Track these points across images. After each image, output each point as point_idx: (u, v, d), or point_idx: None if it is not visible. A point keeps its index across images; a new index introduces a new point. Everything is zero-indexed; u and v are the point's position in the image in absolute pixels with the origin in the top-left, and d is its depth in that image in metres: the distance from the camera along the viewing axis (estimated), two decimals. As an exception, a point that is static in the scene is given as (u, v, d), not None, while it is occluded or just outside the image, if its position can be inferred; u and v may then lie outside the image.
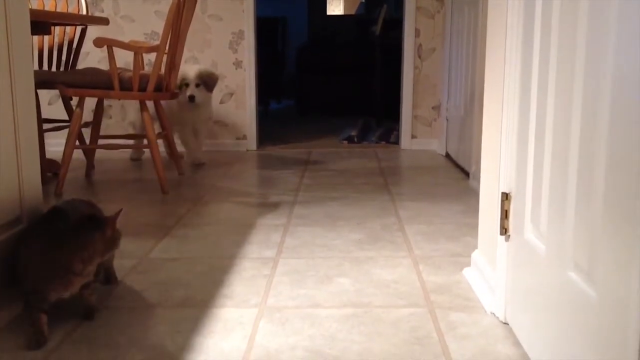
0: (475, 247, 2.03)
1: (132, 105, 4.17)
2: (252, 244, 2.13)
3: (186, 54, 4.13)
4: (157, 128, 3.48)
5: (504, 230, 1.48)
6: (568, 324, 1.09)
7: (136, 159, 3.85)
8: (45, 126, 3.38)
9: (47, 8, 3.68)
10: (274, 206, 2.68)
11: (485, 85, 1.70)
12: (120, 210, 1.50)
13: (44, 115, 3.73)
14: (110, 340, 1.41)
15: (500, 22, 1.57)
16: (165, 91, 2.98)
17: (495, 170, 1.58)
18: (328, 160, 3.87)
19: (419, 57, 4.20)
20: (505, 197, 1.46)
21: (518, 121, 1.41)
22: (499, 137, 1.55)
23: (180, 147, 3.75)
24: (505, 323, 1.49)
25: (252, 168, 3.65)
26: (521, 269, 1.39)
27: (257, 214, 2.54)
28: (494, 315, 1.54)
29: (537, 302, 1.27)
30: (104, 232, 1.43)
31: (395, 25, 5.25)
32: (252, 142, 4.29)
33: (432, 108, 4.27)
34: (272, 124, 5.70)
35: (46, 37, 3.55)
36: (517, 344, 1.39)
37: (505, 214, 1.47)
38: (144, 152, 3.90)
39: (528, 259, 1.33)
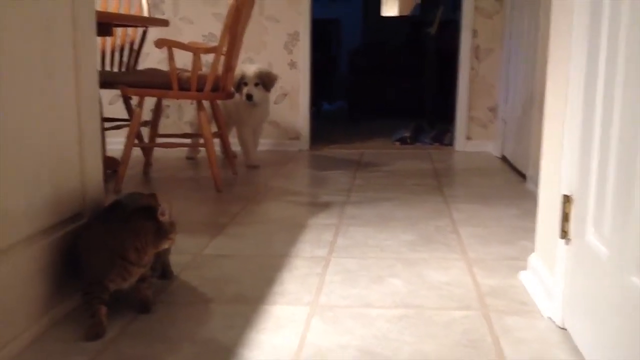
0: (531, 251, 1.98)
1: (190, 105, 4.26)
2: (304, 243, 2.14)
3: (242, 55, 4.19)
4: (213, 128, 3.54)
5: (564, 234, 1.44)
6: (630, 330, 1.05)
7: (191, 158, 3.92)
8: (106, 125, 3.49)
9: (109, 10, 3.80)
10: (325, 206, 2.68)
11: (548, 85, 1.66)
12: (169, 200, 1.51)
13: (104, 114, 3.84)
14: (165, 334, 1.44)
15: (565, 22, 1.53)
16: (222, 91, 3.02)
17: (556, 172, 1.54)
18: (380, 161, 3.86)
19: (476, 58, 4.14)
20: (567, 199, 1.42)
21: (582, 122, 1.37)
22: (561, 138, 1.51)
23: (235, 147, 3.80)
24: (562, 328, 1.45)
25: (304, 168, 3.67)
26: (581, 273, 1.34)
27: (309, 214, 2.55)
28: (551, 319, 1.50)
29: (597, 307, 1.23)
30: (155, 221, 1.45)
31: (451, 26, 5.18)
32: (304, 142, 4.31)
33: (489, 109, 4.20)
34: (324, 125, 5.71)
35: (108, 39, 3.66)
36: (574, 349, 1.35)
37: (565, 217, 1.42)
38: (199, 151, 3.97)
39: (589, 263, 1.29)
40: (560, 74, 1.54)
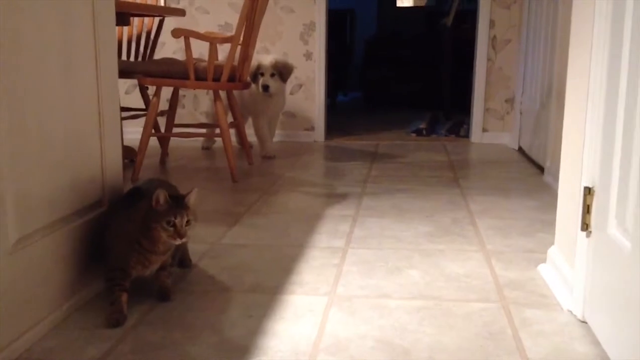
0: (550, 243, 1.96)
1: (205, 95, 4.27)
2: (320, 234, 2.14)
3: (258, 45, 4.18)
4: (229, 118, 3.54)
5: (585, 226, 1.42)
6: (655, 324, 1.04)
7: (207, 148, 3.93)
8: (123, 114, 3.50)
9: None
10: (342, 197, 2.68)
11: (569, 76, 1.64)
12: (193, 189, 1.51)
13: (121, 104, 3.86)
14: (185, 322, 1.45)
15: (587, 10, 1.50)
16: (238, 81, 3.02)
17: (577, 164, 1.53)
18: (396, 153, 3.84)
19: (493, 48, 4.10)
20: (588, 191, 1.41)
21: (604, 113, 1.35)
22: (582, 129, 1.50)
23: (251, 138, 3.80)
24: (583, 321, 1.44)
25: (319, 159, 3.67)
26: (602, 266, 1.33)
27: (325, 204, 2.55)
28: (571, 313, 1.49)
29: (619, 300, 1.22)
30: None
31: (467, 16, 5.14)
32: (320, 133, 4.30)
33: (505, 101, 4.16)
34: (339, 116, 5.70)
35: (125, 28, 3.67)
36: (595, 342, 1.34)
37: (587, 209, 1.41)
38: (215, 141, 3.98)
39: (611, 256, 1.28)
40: (582, 64, 1.52)
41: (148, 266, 1.47)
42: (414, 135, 4.55)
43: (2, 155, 1.24)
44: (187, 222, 1.44)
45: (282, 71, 3.49)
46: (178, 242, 1.44)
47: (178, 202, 1.44)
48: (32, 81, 1.34)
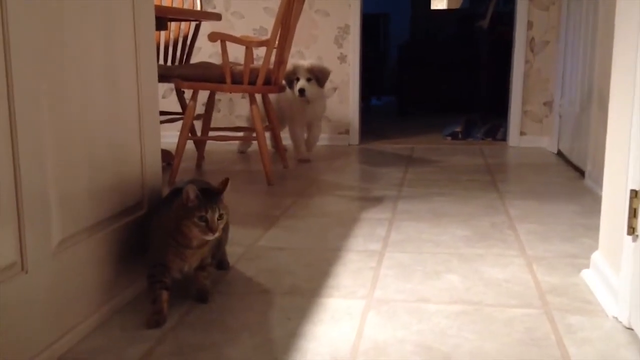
0: (593, 248, 1.92)
1: (241, 99, 4.29)
2: (357, 237, 2.13)
3: (292, 49, 4.19)
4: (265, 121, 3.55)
5: (631, 230, 1.38)
6: None
7: (243, 152, 3.95)
8: (160, 118, 3.54)
9: (163, 4, 3.85)
10: (377, 200, 2.66)
11: (612, 77, 1.60)
12: (227, 179, 1.50)
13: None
14: (224, 324, 1.45)
15: (632, 7, 1.46)
16: (274, 85, 3.03)
17: (623, 167, 1.48)
18: (431, 157, 3.81)
19: (531, 50, 4.04)
20: (635, 194, 1.37)
21: (652, 113, 1.31)
22: (627, 130, 1.46)
23: (286, 142, 3.80)
24: (629, 328, 1.40)
25: (354, 162, 3.65)
26: (651, 272, 1.29)
27: (361, 208, 2.54)
28: (617, 319, 1.45)
29: (670, 308, 1.18)
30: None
31: (503, 18, 5.07)
32: (354, 136, 4.29)
33: (544, 104, 4.09)
34: (374, 119, 5.68)
35: (162, 33, 3.72)
36: (644, 352, 1.30)
37: (633, 213, 1.37)
38: (250, 145, 4.00)
39: (660, 262, 1.24)
40: (627, 65, 1.48)
41: (185, 260, 1.48)
42: (449, 138, 4.51)
43: (47, 157, 1.26)
44: (220, 216, 1.43)
45: (319, 75, 3.45)
46: (210, 237, 1.42)
47: (210, 196, 1.43)
48: (77, 85, 1.36)
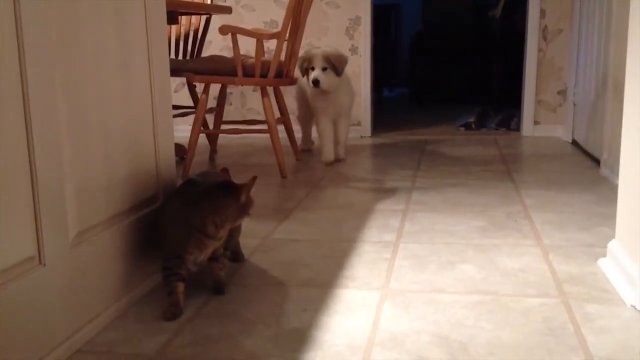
0: (610, 237, 1.90)
1: (252, 92, 4.29)
2: (371, 228, 2.12)
3: (303, 41, 4.18)
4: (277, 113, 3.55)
5: (650, 218, 1.37)
6: None
7: (308, 150, 3.70)
8: (172, 112, 3.55)
9: None
10: (391, 192, 2.66)
11: (628, 65, 1.58)
12: (255, 177, 1.54)
13: (170, 102, 3.91)
14: (240, 315, 1.46)
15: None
16: (285, 77, 3.03)
17: (639, 155, 1.47)
18: (445, 147, 3.79)
19: (544, 39, 4.00)
20: (653, 182, 1.35)
21: (670, 99, 1.29)
22: (645, 117, 1.44)
23: (314, 138, 3.75)
24: (648, 318, 1.39)
25: (367, 154, 3.64)
26: (670, 260, 1.28)
27: (374, 199, 2.53)
28: (635, 308, 1.43)
29: (690, 296, 1.16)
30: (237, 198, 1.48)
31: (516, 7, 5.02)
32: (366, 128, 4.28)
33: (558, 93, 4.05)
34: (386, 111, 5.66)
35: (173, 27, 3.72)
36: (663, 340, 1.29)
37: (652, 201, 1.36)
38: (314, 143, 3.75)
39: (680, 249, 1.22)
40: (647, 51, 1.46)
41: (203, 250, 1.49)
42: (462, 129, 4.48)
43: (63, 149, 1.26)
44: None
45: (335, 64, 3.11)
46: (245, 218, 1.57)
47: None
48: (91, 79, 1.36)
